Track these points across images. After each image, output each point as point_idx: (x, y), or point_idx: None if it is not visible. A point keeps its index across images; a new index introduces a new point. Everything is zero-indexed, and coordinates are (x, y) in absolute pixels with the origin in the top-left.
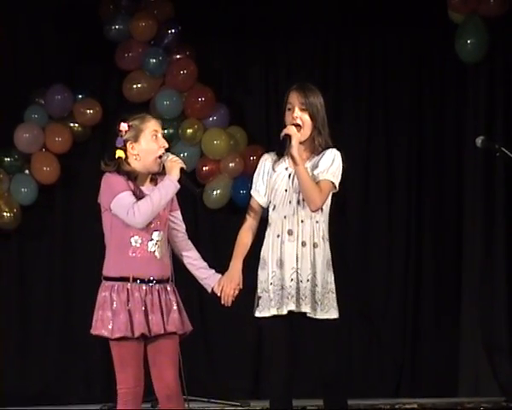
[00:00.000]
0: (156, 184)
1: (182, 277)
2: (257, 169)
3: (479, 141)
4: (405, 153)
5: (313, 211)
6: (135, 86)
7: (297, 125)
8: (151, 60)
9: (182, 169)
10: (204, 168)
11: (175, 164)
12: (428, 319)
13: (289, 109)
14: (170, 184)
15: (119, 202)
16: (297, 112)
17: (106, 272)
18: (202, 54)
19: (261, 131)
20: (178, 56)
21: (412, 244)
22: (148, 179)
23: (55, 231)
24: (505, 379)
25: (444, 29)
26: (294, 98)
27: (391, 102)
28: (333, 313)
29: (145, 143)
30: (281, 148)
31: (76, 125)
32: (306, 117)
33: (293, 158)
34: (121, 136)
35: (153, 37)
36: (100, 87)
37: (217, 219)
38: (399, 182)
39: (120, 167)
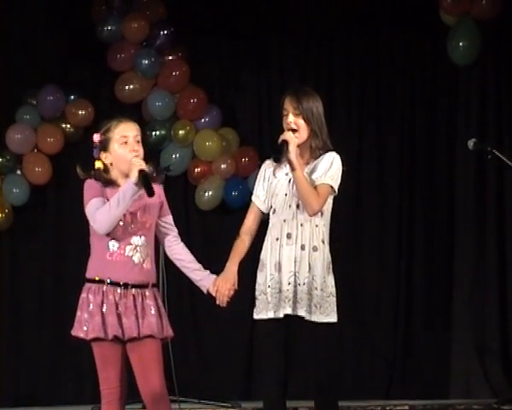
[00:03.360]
0: None
1: (173, 279)
2: (258, 175)
3: (471, 143)
4: (397, 155)
5: (311, 215)
6: (127, 87)
7: (293, 130)
8: (143, 61)
9: (141, 171)
10: (196, 170)
11: (132, 166)
12: (420, 321)
13: (285, 115)
14: (126, 187)
15: (87, 209)
16: (291, 117)
17: (86, 273)
18: (195, 55)
19: (253, 133)
20: (171, 57)
21: (404, 246)
22: None
23: (47, 232)
24: (496, 381)
25: (436, 31)
26: (288, 104)
27: (383, 104)
28: (332, 317)
29: (115, 151)
30: (278, 153)
31: (68, 125)
32: (301, 121)
33: (290, 163)
34: (95, 147)
35: (145, 38)
36: (92, 88)
37: (208, 220)
38: (391, 185)
39: (100, 177)
